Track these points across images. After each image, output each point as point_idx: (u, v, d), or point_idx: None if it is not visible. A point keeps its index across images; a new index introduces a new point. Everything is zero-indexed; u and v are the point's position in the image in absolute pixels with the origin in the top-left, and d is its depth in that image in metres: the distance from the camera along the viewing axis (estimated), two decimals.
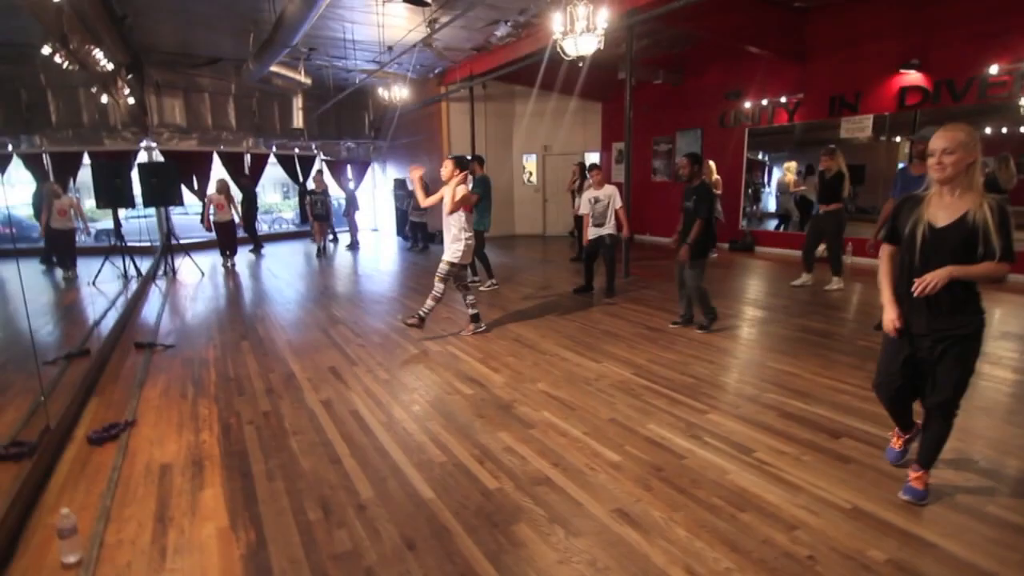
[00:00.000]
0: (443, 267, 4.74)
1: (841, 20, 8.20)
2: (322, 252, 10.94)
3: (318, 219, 11.05)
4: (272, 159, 13.83)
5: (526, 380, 3.86)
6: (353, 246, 11.84)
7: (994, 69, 6.72)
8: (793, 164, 10.22)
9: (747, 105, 9.69)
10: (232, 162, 12.81)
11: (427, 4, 7.23)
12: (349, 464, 2.76)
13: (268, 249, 12.04)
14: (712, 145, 10.52)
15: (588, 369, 4.06)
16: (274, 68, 9.42)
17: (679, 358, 4.25)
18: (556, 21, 5.18)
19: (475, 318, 5.04)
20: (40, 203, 9.28)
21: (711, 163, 9.70)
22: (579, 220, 9.15)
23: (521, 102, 13.28)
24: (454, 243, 4.73)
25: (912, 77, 7.61)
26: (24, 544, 2.20)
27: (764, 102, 9.42)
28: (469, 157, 7.62)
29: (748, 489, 2.46)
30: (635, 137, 12.18)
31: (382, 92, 10.50)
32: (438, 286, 4.76)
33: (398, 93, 10.25)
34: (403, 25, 8.81)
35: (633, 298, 6.44)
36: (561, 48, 5.28)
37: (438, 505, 2.38)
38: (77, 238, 8.06)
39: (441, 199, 4.72)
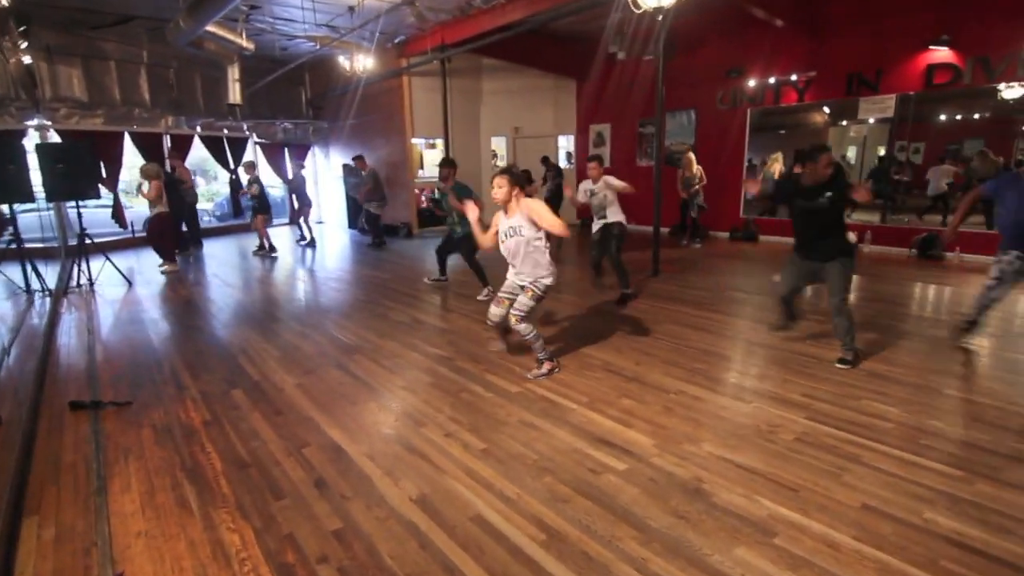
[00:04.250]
0: (525, 302, 3.51)
1: None
2: (266, 249, 9.23)
3: (261, 212, 9.32)
4: (197, 141, 11.75)
5: (680, 438, 2.81)
6: (310, 243, 10.17)
7: None
8: (780, 154, 9.70)
9: (751, 84, 9.01)
10: (148, 145, 10.71)
11: None
12: None
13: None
14: (708, 128, 9.82)
15: (742, 413, 3.07)
16: (210, 28, 7.66)
17: (839, 390, 3.34)
18: None
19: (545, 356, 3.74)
20: None
21: (691, 155, 8.98)
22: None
23: (489, 78, 12.03)
24: (537, 268, 3.51)
25: (942, 54, 7.16)
26: None
27: (771, 80, 8.77)
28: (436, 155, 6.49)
29: None
30: (619, 119, 11.37)
31: (343, 61, 8.93)
32: (525, 327, 3.52)
33: (362, 63, 8.76)
34: None
35: (684, 299, 5.52)
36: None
37: None
38: None
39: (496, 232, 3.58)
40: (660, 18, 5.02)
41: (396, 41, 10.51)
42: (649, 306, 5.37)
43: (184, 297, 6.37)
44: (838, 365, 3.67)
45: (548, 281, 3.53)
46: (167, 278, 7.38)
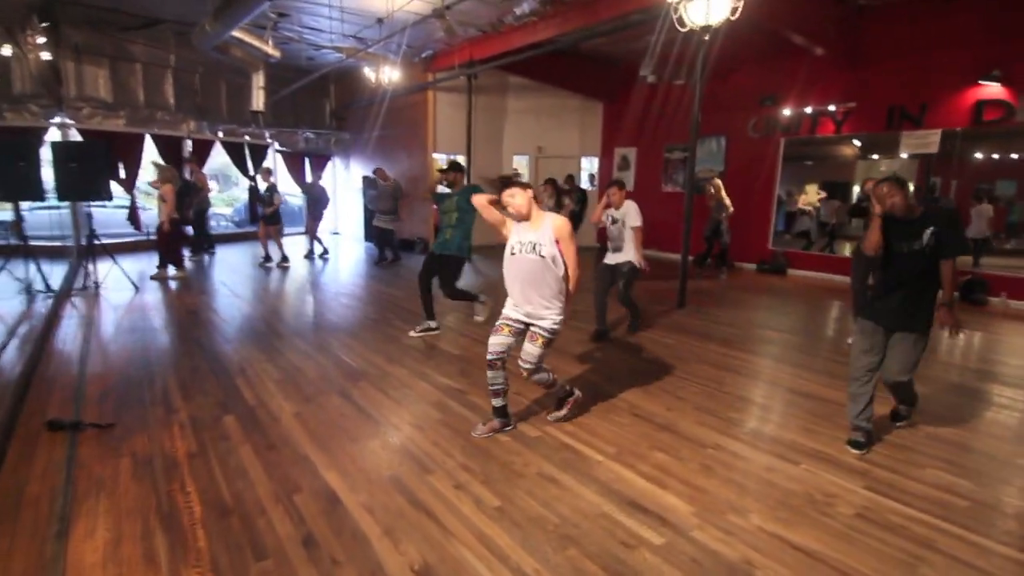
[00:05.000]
0: (535, 351, 2.96)
1: (909, 23, 7.31)
2: (271, 260, 8.94)
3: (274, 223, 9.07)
4: (218, 147, 11.68)
5: (723, 506, 2.45)
6: (323, 255, 9.96)
7: None
8: (815, 186, 9.40)
9: (786, 112, 8.71)
10: (168, 148, 10.64)
11: None
12: None
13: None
14: (739, 155, 9.51)
15: (792, 478, 2.71)
16: (237, 34, 7.55)
17: (898, 454, 2.97)
18: None
19: (563, 396, 3.33)
20: None
21: (718, 181, 8.71)
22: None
23: (515, 97, 11.85)
24: (549, 301, 2.94)
25: (993, 90, 6.81)
26: None
27: (807, 110, 8.46)
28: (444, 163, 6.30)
29: None
30: (646, 143, 11.10)
31: (369, 74, 8.79)
32: (540, 376, 3.09)
33: (388, 76, 8.61)
34: None
35: (712, 336, 5.17)
36: (681, 16, 3.92)
37: None
38: None
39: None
40: (707, 38, 4.74)
41: (423, 55, 10.39)
42: (676, 342, 5.03)
43: (189, 306, 6.14)
44: (896, 424, 3.29)
45: (558, 326, 2.98)
46: (177, 284, 7.19)
